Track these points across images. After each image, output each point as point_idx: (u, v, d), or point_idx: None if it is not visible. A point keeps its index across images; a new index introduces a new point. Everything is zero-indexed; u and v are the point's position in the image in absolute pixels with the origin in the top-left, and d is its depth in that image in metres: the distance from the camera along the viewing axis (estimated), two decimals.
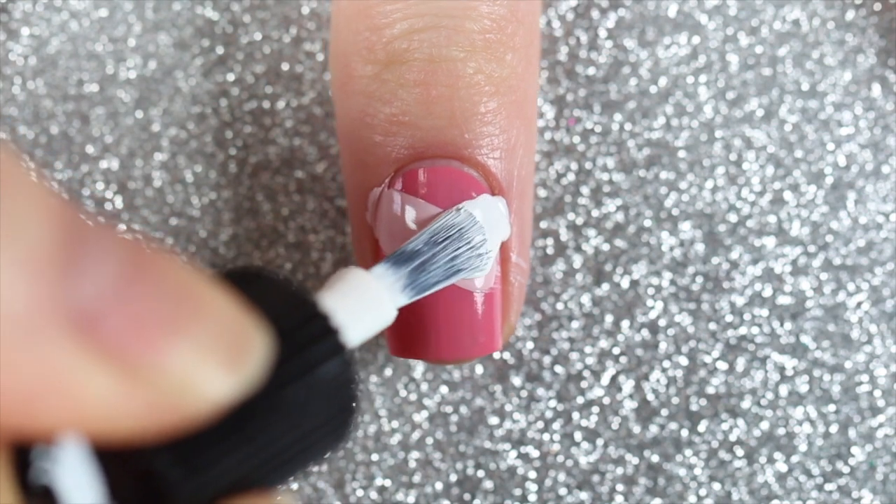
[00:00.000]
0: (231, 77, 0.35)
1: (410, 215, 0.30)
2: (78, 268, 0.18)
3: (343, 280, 0.25)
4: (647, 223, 0.35)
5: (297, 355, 0.22)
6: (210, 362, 0.20)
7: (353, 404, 0.23)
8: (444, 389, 0.35)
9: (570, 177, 0.35)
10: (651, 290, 0.35)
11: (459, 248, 0.28)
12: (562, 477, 0.35)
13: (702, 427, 0.35)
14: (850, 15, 0.35)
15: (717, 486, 0.35)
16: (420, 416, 0.35)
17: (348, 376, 0.23)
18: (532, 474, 0.35)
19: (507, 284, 0.31)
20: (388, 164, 0.30)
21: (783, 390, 0.35)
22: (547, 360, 0.35)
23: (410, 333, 0.30)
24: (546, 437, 0.35)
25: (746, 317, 0.35)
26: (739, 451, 0.35)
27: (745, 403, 0.35)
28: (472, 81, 0.30)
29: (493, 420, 0.35)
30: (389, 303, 0.26)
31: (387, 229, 0.30)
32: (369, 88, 0.30)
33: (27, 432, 0.19)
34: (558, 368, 0.35)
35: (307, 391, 0.22)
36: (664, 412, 0.35)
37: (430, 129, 0.30)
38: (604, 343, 0.35)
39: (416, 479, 0.35)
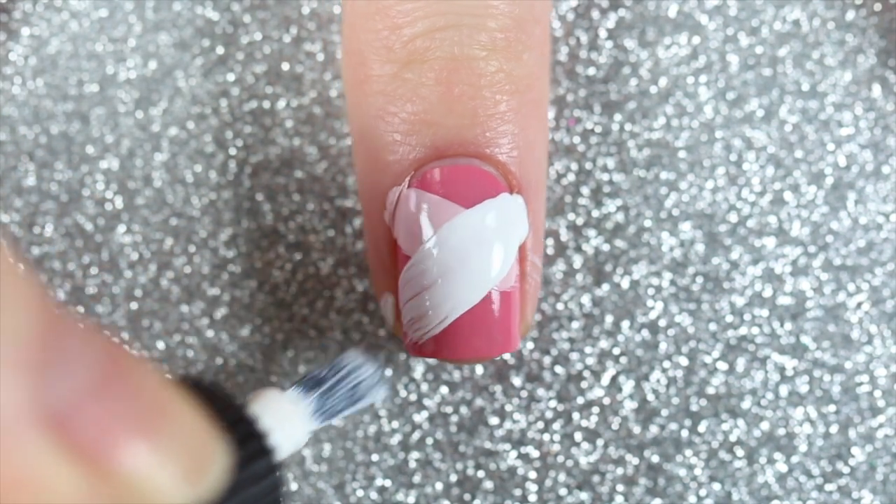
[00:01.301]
0: (231, 77, 0.35)
1: (431, 214, 0.30)
2: (54, 368, 0.19)
3: (268, 400, 0.26)
4: (648, 223, 0.35)
5: (238, 471, 0.23)
6: (173, 469, 0.20)
7: (277, 501, 0.24)
8: (444, 390, 0.35)
9: (570, 177, 0.35)
10: (651, 291, 0.35)
11: (358, 377, 0.29)
12: (562, 477, 0.35)
13: (702, 427, 0.35)
14: (851, 15, 0.35)
15: (717, 486, 0.35)
16: (420, 417, 0.35)
17: (275, 479, 0.24)
18: (532, 474, 0.35)
19: (525, 283, 0.31)
20: (407, 164, 0.30)
21: (783, 390, 0.35)
22: (547, 360, 0.35)
23: None
24: (546, 437, 0.35)
25: (746, 317, 0.35)
26: (740, 452, 0.35)
27: (746, 404, 0.35)
28: (493, 80, 0.30)
29: (494, 420, 0.35)
30: (302, 426, 0.27)
31: (406, 228, 0.30)
32: (388, 88, 0.30)
33: None
34: (558, 369, 0.35)
35: (237, 488, 0.23)
36: (664, 412, 0.35)
37: (452, 127, 0.30)
38: (604, 343, 0.35)
39: (416, 479, 0.35)
